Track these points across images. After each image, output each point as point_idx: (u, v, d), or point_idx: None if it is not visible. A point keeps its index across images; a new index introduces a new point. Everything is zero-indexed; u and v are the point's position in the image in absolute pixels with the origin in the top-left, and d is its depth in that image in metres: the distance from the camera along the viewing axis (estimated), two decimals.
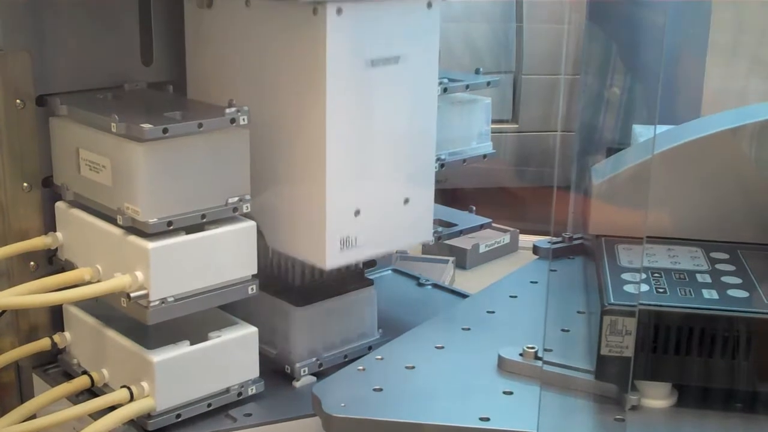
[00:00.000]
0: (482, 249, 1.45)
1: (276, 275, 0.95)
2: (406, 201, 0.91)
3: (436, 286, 1.19)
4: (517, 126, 1.82)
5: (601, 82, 1.03)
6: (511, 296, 0.96)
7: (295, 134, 0.86)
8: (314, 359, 0.94)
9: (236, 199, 0.86)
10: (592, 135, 1.01)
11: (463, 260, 1.43)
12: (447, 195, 1.43)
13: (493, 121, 1.06)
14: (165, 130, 0.80)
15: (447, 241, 1.26)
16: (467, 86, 1.00)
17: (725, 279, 0.80)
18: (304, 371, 0.93)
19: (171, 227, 0.82)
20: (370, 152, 0.87)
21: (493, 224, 1.41)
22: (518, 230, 1.49)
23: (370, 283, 0.99)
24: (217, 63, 0.93)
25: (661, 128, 0.96)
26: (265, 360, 0.91)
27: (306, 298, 0.93)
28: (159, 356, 0.83)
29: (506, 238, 1.48)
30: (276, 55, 0.86)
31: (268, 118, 0.87)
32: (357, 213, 0.87)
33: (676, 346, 0.73)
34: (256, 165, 0.87)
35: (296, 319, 0.93)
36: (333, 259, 0.86)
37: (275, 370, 0.93)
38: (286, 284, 0.94)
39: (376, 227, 0.89)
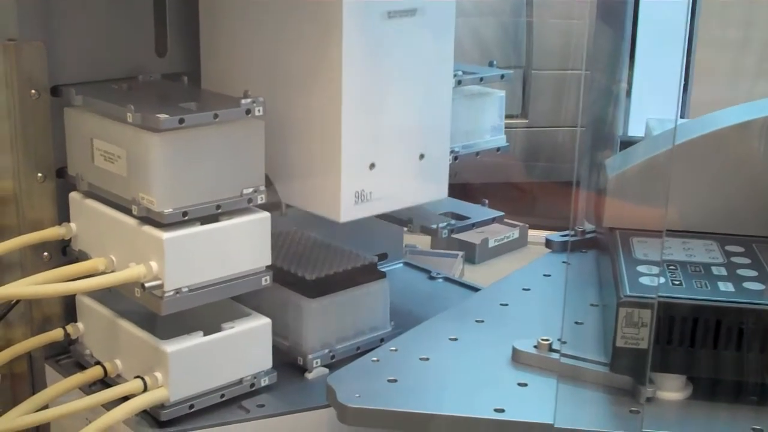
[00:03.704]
0: (491, 244, 1.45)
1: (288, 268, 0.96)
2: (422, 156, 0.90)
3: (447, 279, 1.19)
4: (526, 121, 1.82)
5: (611, 77, 1.03)
6: (524, 289, 0.96)
7: (311, 86, 0.85)
8: (327, 351, 0.94)
9: (251, 190, 0.86)
10: (604, 129, 1.01)
11: (472, 255, 1.43)
12: (457, 189, 1.42)
13: (505, 117, 1.06)
14: (181, 120, 0.80)
15: (456, 236, 1.26)
16: (481, 79, 1.00)
17: (741, 272, 0.80)
18: (317, 363, 0.93)
19: (186, 218, 0.82)
20: (385, 105, 0.87)
21: (504, 219, 1.42)
22: (527, 225, 1.49)
23: (383, 275, 0.99)
24: (231, 23, 0.93)
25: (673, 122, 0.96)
26: (277, 351, 0.91)
27: (319, 290, 0.93)
28: (173, 346, 0.83)
29: (515, 233, 1.49)
30: (292, 7, 0.86)
31: (284, 71, 0.87)
32: (372, 166, 0.86)
33: (690, 339, 0.73)
34: (271, 119, 0.87)
35: (309, 311, 0.93)
36: (348, 212, 0.86)
37: (288, 362, 0.94)
38: (298, 276, 0.94)
39: (391, 182, 0.88)
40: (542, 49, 1.81)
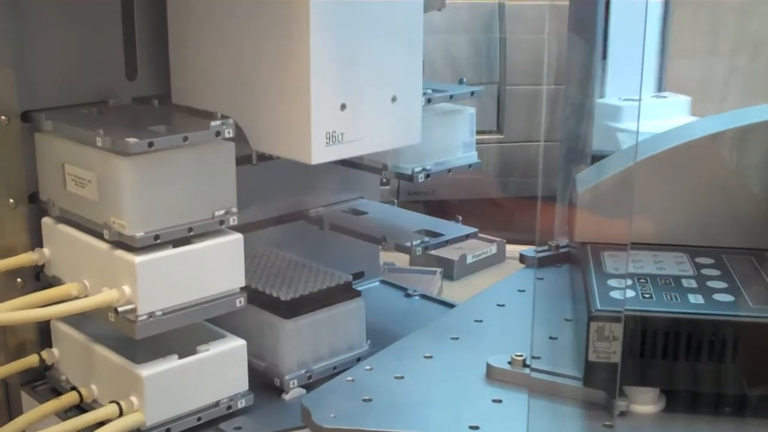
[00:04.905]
0: (469, 260, 1.45)
1: (263, 289, 0.96)
2: (394, 99, 0.90)
3: (423, 296, 1.19)
4: (501, 137, 1.83)
5: (582, 91, 1.03)
6: (498, 305, 0.96)
7: (279, 24, 0.84)
8: (303, 371, 0.94)
9: (223, 211, 0.86)
10: (576, 143, 1.02)
11: (450, 271, 1.43)
12: (434, 206, 1.43)
13: (478, 132, 1.06)
14: (150, 144, 0.80)
15: (434, 253, 1.26)
16: (451, 96, 1.01)
17: (711, 284, 0.80)
18: (294, 383, 0.93)
19: (158, 241, 0.82)
20: (356, 44, 0.86)
21: (480, 235, 1.42)
22: (505, 240, 1.50)
23: (358, 294, 0.99)
24: None
25: (646, 134, 0.97)
26: (254, 373, 0.91)
27: (294, 311, 0.93)
28: (148, 370, 0.83)
29: (493, 249, 1.49)
30: None
31: (253, 12, 0.87)
32: (343, 107, 0.85)
33: (663, 351, 0.74)
34: (239, 63, 0.86)
35: (285, 332, 0.93)
36: (319, 153, 0.85)
37: (264, 383, 0.93)
38: (273, 297, 0.94)
39: (363, 124, 0.87)
40: (516, 65, 1.82)
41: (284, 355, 0.93)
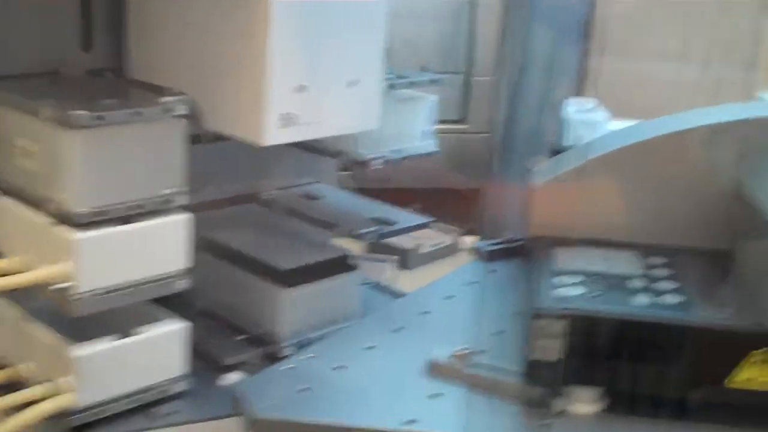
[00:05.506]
0: (425, 249, 1.44)
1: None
2: (353, 83, 0.89)
3: (373, 285, 1.18)
4: (467, 126, 1.82)
5: (542, 83, 1.03)
6: (447, 297, 0.95)
7: (239, 5, 0.83)
8: (298, 341, 0.95)
9: (171, 190, 0.84)
10: (534, 136, 1.01)
11: (405, 260, 1.42)
12: (396, 195, 1.42)
13: (444, 122, 1.06)
14: (99, 118, 0.78)
15: (390, 241, 1.25)
16: (412, 83, 1.00)
17: (660, 284, 0.80)
18: (288, 352, 0.94)
19: (101, 218, 0.80)
20: (317, 25, 0.85)
21: (439, 225, 1.41)
22: (462, 231, 1.49)
23: (355, 267, 1.02)
24: None
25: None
26: (194, 356, 0.90)
27: (293, 281, 0.95)
28: (81, 351, 0.81)
29: (450, 239, 1.48)
30: None
31: None
32: (300, 89, 0.84)
33: (604, 351, 0.73)
34: (196, 35, 0.86)
35: (283, 301, 0.95)
36: (272, 135, 0.84)
37: (206, 367, 0.92)
38: (270, 266, 0.95)
39: (320, 106, 0.86)
40: (485, 56, 1.80)
41: (282, 322, 0.95)
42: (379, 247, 1.34)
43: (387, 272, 1.31)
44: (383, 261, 1.34)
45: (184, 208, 0.86)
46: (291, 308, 0.95)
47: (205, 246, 0.99)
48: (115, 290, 0.82)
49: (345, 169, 1.18)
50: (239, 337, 0.97)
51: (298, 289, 0.96)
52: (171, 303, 0.89)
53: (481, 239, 1.08)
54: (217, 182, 1.06)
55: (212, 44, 0.86)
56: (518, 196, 1.01)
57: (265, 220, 1.07)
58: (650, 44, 1.57)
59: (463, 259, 1.44)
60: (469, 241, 1.44)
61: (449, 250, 1.47)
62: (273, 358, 0.93)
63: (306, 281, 0.96)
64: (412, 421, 0.72)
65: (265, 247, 0.99)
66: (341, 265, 1.00)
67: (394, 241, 1.31)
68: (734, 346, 0.72)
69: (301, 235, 1.03)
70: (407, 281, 1.33)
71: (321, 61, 0.86)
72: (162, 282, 0.85)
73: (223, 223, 1.05)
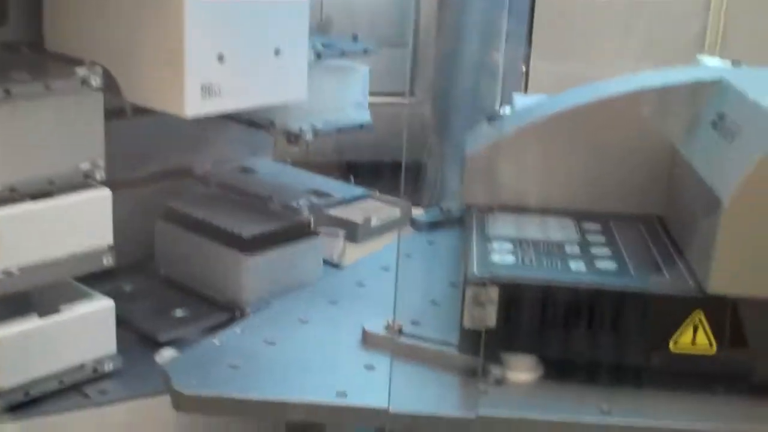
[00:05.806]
0: (374, 222, 1.42)
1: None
2: (277, 52, 0.87)
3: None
4: (414, 99, 1.80)
5: (477, 50, 1.01)
6: (383, 269, 0.93)
7: None
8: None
9: (88, 165, 0.81)
10: (466, 103, 0.99)
11: (354, 234, 1.40)
12: (343, 168, 1.40)
13: (390, 94, 1.03)
14: (7, 91, 0.75)
15: (339, 215, 1.23)
16: (342, 53, 0.97)
17: (594, 250, 0.78)
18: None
19: (13, 193, 0.77)
20: None
21: (387, 198, 1.39)
22: (411, 203, 1.46)
23: (316, 234, 1.02)
24: None
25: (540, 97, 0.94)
26: (128, 334, 0.88)
27: (255, 247, 0.95)
28: (3, 331, 0.78)
29: (398, 212, 1.46)
30: None
31: None
32: (221, 58, 0.82)
33: (539, 319, 0.71)
34: (114, 5, 0.83)
35: (247, 267, 0.95)
36: (193, 106, 0.82)
37: (140, 344, 0.90)
38: (233, 234, 0.95)
39: (243, 76, 0.85)
40: (431, 27, 1.79)
41: (246, 289, 0.95)
42: (327, 221, 1.32)
43: (338, 246, 1.28)
44: (335, 235, 1.32)
45: (105, 184, 0.83)
46: (254, 274, 0.95)
47: (166, 216, 0.99)
48: (33, 268, 0.79)
49: (292, 143, 1.16)
50: (178, 314, 0.95)
51: (261, 255, 0.95)
52: (133, 273, 0.92)
53: (426, 211, 1.07)
54: (152, 158, 1.03)
55: (130, 15, 0.84)
56: (457, 165, 0.99)
57: (208, 193, 1.06)
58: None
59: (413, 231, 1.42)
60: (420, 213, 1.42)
61: (399, 223, 1.45)
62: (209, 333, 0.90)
63: (268, 248, 0.96)
64: (344, 393, 0.70)
65: (225, 216, 0.98)
66: (301, 231, 1.00)
67: (342, 213, 1.28)
68: (670, 312, 0.70)
69: (258, 205, 1.01)
70: (356, 254, 1.31)
71: (241, 30, 0.83)
72: (84, 259, 0.82)
73: (171, 198, 1.03)
